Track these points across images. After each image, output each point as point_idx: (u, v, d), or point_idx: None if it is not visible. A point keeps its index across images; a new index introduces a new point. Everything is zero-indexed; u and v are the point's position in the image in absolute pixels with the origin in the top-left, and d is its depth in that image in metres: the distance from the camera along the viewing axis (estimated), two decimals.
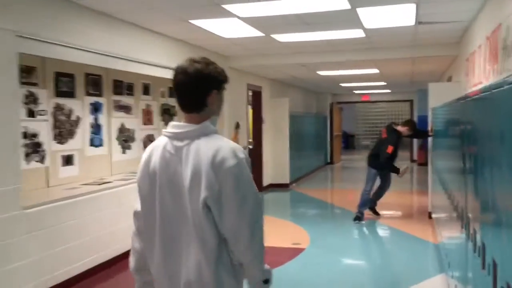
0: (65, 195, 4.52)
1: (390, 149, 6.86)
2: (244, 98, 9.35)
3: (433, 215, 6.82)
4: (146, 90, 6.85)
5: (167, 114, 7.46)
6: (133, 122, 6.49)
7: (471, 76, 5.67)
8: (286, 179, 11.01)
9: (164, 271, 1.78)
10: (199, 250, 1.69)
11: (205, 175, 1.67)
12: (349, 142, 23.74)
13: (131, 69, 5.76)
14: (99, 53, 5.08)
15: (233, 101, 8.38)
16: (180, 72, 1.78)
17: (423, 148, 13.82)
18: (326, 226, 7.21)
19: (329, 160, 16.78)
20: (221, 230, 1.70)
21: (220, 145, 1.72)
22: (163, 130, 1.86)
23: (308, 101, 15.62)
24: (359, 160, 16.40)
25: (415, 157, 16.15)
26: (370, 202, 7.41)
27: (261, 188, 10.22)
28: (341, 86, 14.31)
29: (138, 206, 1.88)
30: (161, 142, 1.84)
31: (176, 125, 1.81)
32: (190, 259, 1.71)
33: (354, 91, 17.12)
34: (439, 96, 6.59)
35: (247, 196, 1.69)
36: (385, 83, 13.68)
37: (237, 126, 8.68)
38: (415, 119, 15.24)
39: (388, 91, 16.70)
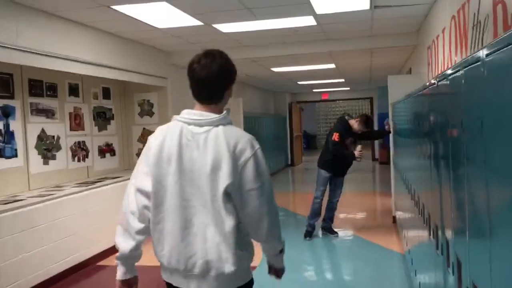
0: None
1: (336, 135, 5.85)
2: (190, 101, 8.52)
3: (397, 219, 6.26)
4: (73, 91, 6.01)
5: (101, 118, 6.63)
6: (57, 127, 5.63)
7: (434, 65, 5.12)
8: None
9: (179, 252, 1.84)
10: (217, 233, 1.80)
11: (226, 163, 1.78)
12: (310, 142, 23.26)
13: (51, 66, 4.92)
14: (5, 47, 4.24)
15: (178, 104, 7.60)
16: (203, 67, 1.89)
17: (385, 146, 13.39)
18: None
19: (289, 162, 16.20)
20: (242, 216, 1.84)
21: (240, 135, 1.86)
22: (176, 116, 1.94)
23: (265, 101, 14.98)
24: None
25: (377, 155, 15.77)
26: (320, 214, 6.26)
27: None
28: (299, 84, 13.73)
29: (146, 185, 1.88)
30: (175, 127, 1.89)
31: (194, 113, 1.92)
32: (208, 241, 1.81)
33: (313, 90, 16.60)
34: (399, 90, 6.03)
35: (264, 184, 1.84)
36: (344, 80, 13.19)
37: None
38: (375, 117, 14.89)
39: (347, 88, 16.24)
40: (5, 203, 4.30)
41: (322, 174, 6.17)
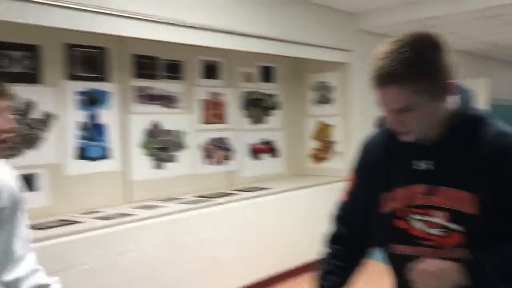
0: None
1: None
2: None
3: None
4: (210, 71, 4.54)
5: (258, 107, 5.00)
6: (180, 119, 4.25)
7: None
8: None
9: None
10: None
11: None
12: None
13: (173, 38, 3.57)
14: (95, 11, 3.02)
15: (364, 87, 5.37)
16: None
17: None
18: None
19: None
20: None
21: None
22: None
23: None
24: None
25: None
26: None
27: None
28: None
29: None
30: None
31: None
32: None
33: None
34: None
35: None
36: None
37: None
38: None
39: None
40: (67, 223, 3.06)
41: None
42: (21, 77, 3.24)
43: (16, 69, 3.22)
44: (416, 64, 1.15)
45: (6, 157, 1.38)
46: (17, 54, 3.22)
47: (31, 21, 2.84)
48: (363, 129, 5.28)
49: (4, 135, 1.31)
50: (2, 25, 2.94)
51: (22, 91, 3.22)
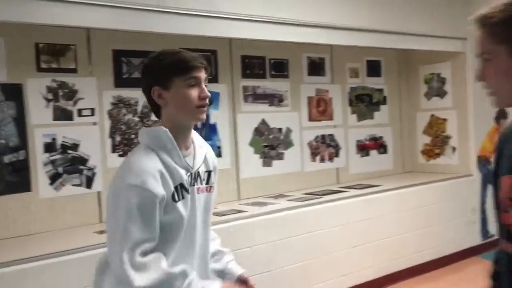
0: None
1: None
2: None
3: None
4: (316, 68, 4.52)
5: (364, 102, 4.89)
6: (287, 117, 4.29)
7: None
8: None
9: None
10: None
11: None
12: None
13: (281, 37, 3.66)
14: (203, 15, 3.20)
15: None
16: None
17: None
18: None
19: None
20: None
21: None
22: None
23: None
24: None
25: None
26: None
27: None
28: None
29: None
30: None
31: None
32: None
33: None
34: None
35: None
36: None
37: (502, 115, 5.21)
38: None
39: None
40: None
41: None
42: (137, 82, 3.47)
43: (136, 74, 3.46)
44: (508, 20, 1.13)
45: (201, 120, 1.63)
46: (137, 60, 3.46)
47: (151, 29, 3.05)
48: (479, 123, 4.92)
49: (203, 102, 1.57)
50: (122, 35, 3.19)
51: (143, 95, 3.45)
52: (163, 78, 1.54)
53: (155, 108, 1.61)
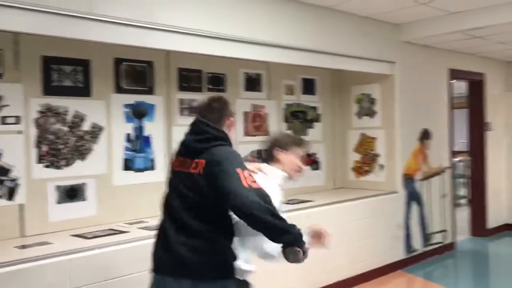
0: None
1: None
2: (442, 93, 5.97)
3: None
4: (252, 83, 4.57)
5: (299, 119, 5.00)
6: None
7: None
8: None
9: None
10: None
11: None
12: None
13: (221, 52, 3.63)
14: (140, 26, 3.11)
15: (407, 98, 5.25)
16: None
17: None
18: None
19: None
20: None
21: None
22: None
23: None
24: None
25: None
26: None
27: (485, 231, 6.64)
28: None
29: None
30: None
31: None
32: None
33: None
34: None
35: None
36: None
37: (425, 136, 5.52)
38: None
39: None
40: (112, 233, 3.13)
41: None
42: (72, 90, 3.36)
43: (67, 83, 3.34)
44: None
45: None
46: (68, 68, 3.34)
47: (82, 37, 2.94)
48: (406, 142, 5.19)
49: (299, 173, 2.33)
50: (55, 41, 3.07)
51: (73, 104, 3.34)
52: None
53: None
